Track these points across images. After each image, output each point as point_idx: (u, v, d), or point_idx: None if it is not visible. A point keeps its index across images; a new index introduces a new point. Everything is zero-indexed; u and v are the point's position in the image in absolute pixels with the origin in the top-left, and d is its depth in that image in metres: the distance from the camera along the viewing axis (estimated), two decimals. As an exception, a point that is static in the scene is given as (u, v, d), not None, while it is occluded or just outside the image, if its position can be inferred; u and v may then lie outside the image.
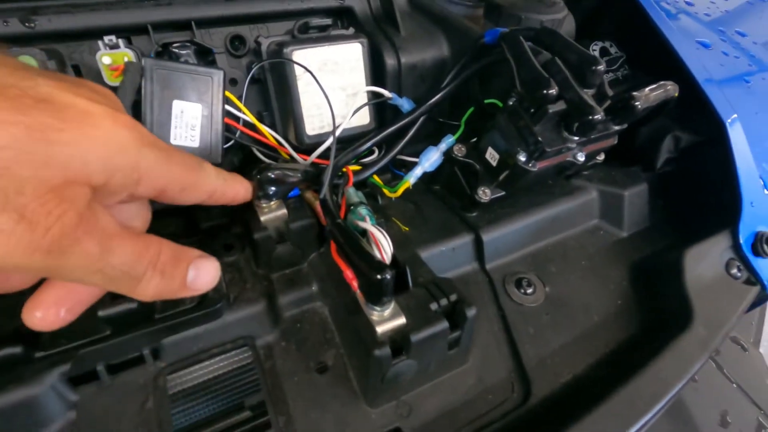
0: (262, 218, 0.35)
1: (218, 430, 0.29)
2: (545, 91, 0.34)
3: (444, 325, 0.29)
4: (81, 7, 0.36)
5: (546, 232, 0.44)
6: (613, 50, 0.60)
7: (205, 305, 0.32)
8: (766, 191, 0.42)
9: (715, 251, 0.39)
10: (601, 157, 0.45)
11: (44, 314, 0.22)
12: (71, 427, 0.28)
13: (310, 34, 0.41)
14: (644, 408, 0.30)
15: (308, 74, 0.39)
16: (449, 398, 0.33)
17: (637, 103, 0.36)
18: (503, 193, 0.41)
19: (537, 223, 0.43)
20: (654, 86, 0.39)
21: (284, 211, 0.36)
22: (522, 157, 0.37)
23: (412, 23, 0.46)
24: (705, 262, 0.38)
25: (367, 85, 0.42)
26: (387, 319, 0.29)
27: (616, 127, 0.38)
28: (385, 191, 0.44)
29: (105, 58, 0.36)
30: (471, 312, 0.30)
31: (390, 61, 0.44)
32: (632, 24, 0.55)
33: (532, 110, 0.36)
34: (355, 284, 0.30)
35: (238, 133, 0.41)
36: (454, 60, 0.46)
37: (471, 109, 0.44)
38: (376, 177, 0.45)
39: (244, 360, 0.32)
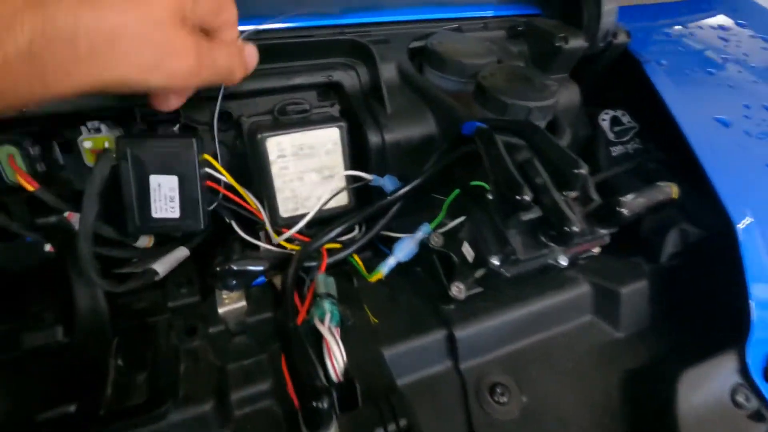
0: (221, 310, 0.35)
1: None
2: (518, 197, 0.31)
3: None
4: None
5: (530, 329, 0.41)
6: (625, 119, 0.57)
7: (153, 404, 0.31)
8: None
9: (719, 373, 0.35)
10: (597, 249, 0.42)
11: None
12: None
13: (289, 116, 0.40)
14: None
15: (283, 158, 0.39)
16: None
17: (623, 211, 0.33)
18: (480, 289, 0.39)
19: (520, 319, 0.40)
20: (649, 189, 0.36)
21: (244, 303, 0.35)
22: (495, 261, 0.35)
23: (401, 99, 0.45)
24: (705, 387, 0.34)
25: (345, 167, 0.41)
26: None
27: (604, 231, 0.35)
28: (362, 272, 0.42)
29: (86, 143, 0.37)
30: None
31: (374, 139, 0.43)
32: (642, 93, 0.52)
33: (506, 213, 0.34)
34: (296, 400, 0.29)
35: (220, 195, 0.41)
36: (443, 138, 0.45)
37: (454, 193, 0.41)
38: (355, 256, 0.43)
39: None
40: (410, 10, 0.51)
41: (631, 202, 0.34)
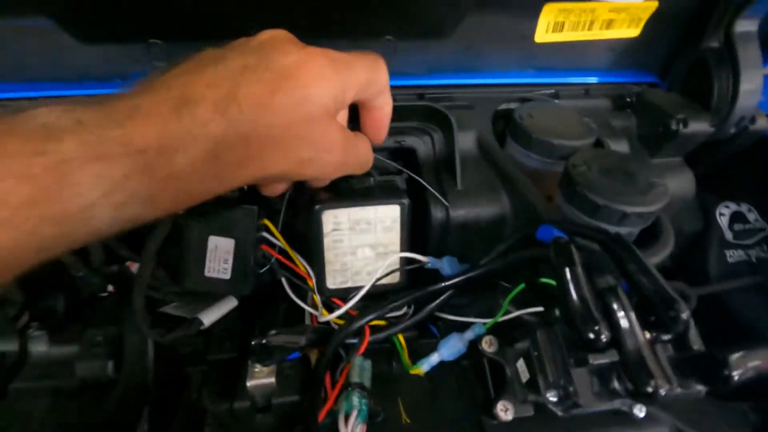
0: (249, 383, 0.34)
1: None
2: (590, 336, 0.26)
3: None
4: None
5: (587, 472, 0.34)
6: (752, 217, 0.47)
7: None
8: None
9: None
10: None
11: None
12: None
13: (352, 186, 0.39)
14: None
15: (338, 231, 0.37)
16: None
17: (732, 374, 0.26)
18: (531, 413, 0.33)
19: (575, 456, 0.34)
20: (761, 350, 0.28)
21: (273, 380, 0.34)
22: (552, 397, 0.29)
23: (476, 173, 0.42)
24: None
25: (401, 247, 0.39)
26: None
27: (700, 388, 0.28)
28: (404, 359, 0.39)
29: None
30: None
31: (438, 215, 0.40)
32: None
33: (574, 347, 0.28)
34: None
35: (273, 259, 0.41)
36: (514, 224, 0.40)
37: (519, 288, 0.37)
38: (400, 336, 0.40)
39: None
40: (501, 73, 0.47)
41: (746, 365, 0.27)
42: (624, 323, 0.27)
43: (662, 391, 0.25)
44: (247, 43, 0.27)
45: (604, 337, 0.26)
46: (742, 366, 0.26)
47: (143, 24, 0.38)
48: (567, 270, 0.28)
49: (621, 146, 0.44)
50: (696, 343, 0.28)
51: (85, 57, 0.39)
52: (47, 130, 0.19)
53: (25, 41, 0.37)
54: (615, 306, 0.28)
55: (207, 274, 0.37)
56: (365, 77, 0.30)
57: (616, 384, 0.28)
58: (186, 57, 0.26)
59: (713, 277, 0.44)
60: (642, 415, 0.29)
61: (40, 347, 0.39)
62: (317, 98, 0.26)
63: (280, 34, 0.28)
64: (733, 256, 0.45)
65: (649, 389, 0.25)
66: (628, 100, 0.48)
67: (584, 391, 0.28)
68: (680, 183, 0.44)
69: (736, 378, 0.26)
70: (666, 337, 0.28)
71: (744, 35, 0.40)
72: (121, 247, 0.37)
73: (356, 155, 0.32)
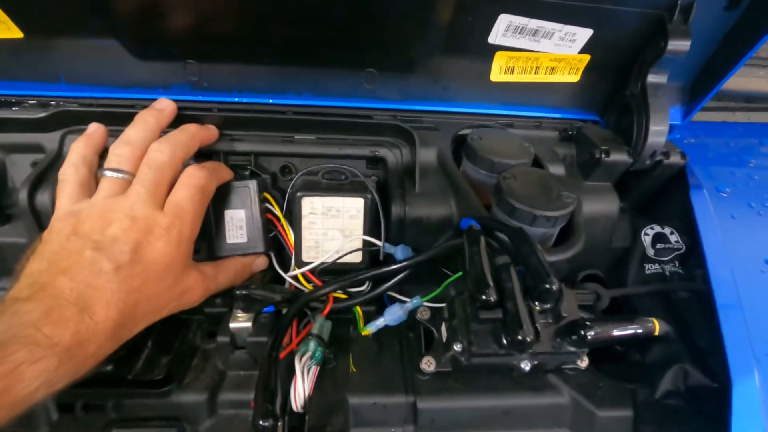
0: (231, 325, 0.43)
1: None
2: (483, 297, 0.35)
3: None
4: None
5: (495, 424, 0.42)
6: (673, 238, 0.55)
7: (165, 382, 0.41)
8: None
9: None
10: (584, 363, 0.42)
11: None
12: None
13: (329, 181, 0.49)
14: None
15: (315, 214, 0.48)
16: None
17: (588, 335, 0.34)
18: (450, 369, 0.42)
19: (486, 409, 0.42)
20: (627, 320, 0.36)
21: (249, 324, 0.43)
22: (457, 347, 0.38)
23: (432, 181, 0.51)
24: None
25: (364, 232, 0.48)
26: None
27: (572, 349, 0.36)
28: (360, 325, 0.48)
29: (181, 174, 0.49)
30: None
31: (397, 211, 0.49)
32: (689, 217, 0.50)
33: (474, 307, 0.37)
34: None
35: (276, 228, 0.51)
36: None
37: (455, 276, 0.45)
38: (359, 308, 0.49)
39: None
40: (465, 103, 0.57)
41: (599, 329, 0.35)
42: (509, 287, 0.36)
43: (528, 338, 0.33)
44: (102, 239, 0.36)
45: (492, 298, 0.35)
46: (593, 330, 0.35)
47: (182, 48, 0.50)
48: (473, 248, 0.38)
49: (558, 169, 0.54)
50: (566, 311, 0.36)
51: (139, 70, 0.51)
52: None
53: (98, 55, 0.49)
54: (504, 276, 0.36)
55: (229, 241, 0.48)
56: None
57: (503, 340, 0.37)
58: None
59: (630, 284, 0.52)
60: (527, 368, 0.37)
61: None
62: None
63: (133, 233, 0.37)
64: (650, 269, 0.53)
65: (519, 338, 0.33)
66: (570, 133, 0.57)
67: (479, 341, 0.37)
68: (605, 205, 0.53)
69: (589, 338, 0.35)
70: (544, 306, 0.37)
71: (654, 86, 0.49)
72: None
73: (216, 286, 0.44)
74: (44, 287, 0.31)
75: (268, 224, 0.50)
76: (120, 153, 0.40)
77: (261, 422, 0.32)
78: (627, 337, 0.36)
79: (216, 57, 0.51)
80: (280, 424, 0.35)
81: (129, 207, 0.37)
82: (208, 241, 0.47)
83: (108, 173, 0.39)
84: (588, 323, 0.35)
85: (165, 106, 0.46)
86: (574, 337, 0.35)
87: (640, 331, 0.36)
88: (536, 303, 0.37)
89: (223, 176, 0.46)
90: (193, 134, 0.44)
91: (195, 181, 0.41)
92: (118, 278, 0.34)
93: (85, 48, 0.50)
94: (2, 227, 0.49)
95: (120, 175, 0.39)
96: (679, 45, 0.46)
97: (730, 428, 0.34)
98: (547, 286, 0.35)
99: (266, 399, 0.34)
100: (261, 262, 0.50)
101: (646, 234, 0.55)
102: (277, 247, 0.51)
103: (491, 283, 0.35)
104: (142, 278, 0.36)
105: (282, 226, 0.50)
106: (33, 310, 0.30)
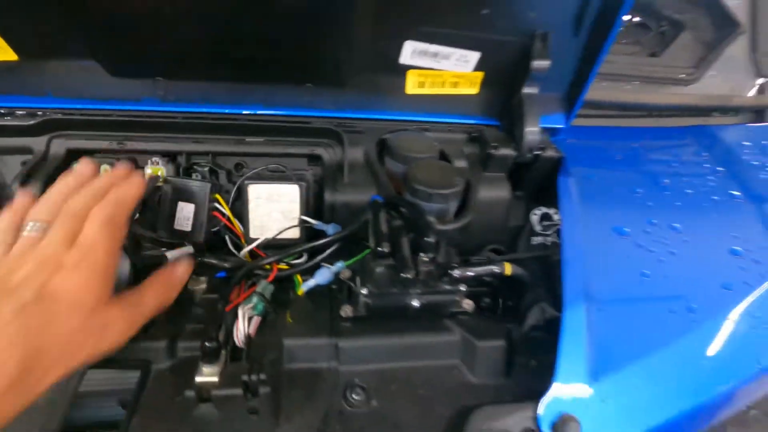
0: (190, 287, 0.54)
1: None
2: (379, 248, 0.47)
3: (237, 391, 0.42)
4: (146, 138, 0.62)
5: (401, 355, 0.53)
6: (556, 217, 0.68)
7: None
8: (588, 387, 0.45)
9: (516, 415, 0.44)
10: (470, 306, 0.54)
11: None
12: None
13: (272, 173, 0.61)
14: None
15: (260, 199, 0.59)
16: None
17: (453, 273, 0.46)
18: (364, 314, 0.53)
19: (393, 346, 0.53)
20: (485, 264, 0.48)
21: (204, 286, 0.54)
22: (364, 291, 0.49)
23: (359, 174, 0.64)
24: (500, 422, 0.44)
25: (300, 214, 0.60)
26: (208, 374, 0.44)
27: (447, 287, 0.48)
28: (298, 287, 0.59)
29: (148, 169, 0.60)
30: (265, 390, 0.43)
31: (328, 197, 0.61)
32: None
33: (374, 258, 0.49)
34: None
35: (222, 223, 0.62)
36: (378, 205, 0.61)
37: (367, 251, 0.57)
38: (298, 276, 0.61)
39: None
40: (388, 112, 0.70)
41: (463, 269, 0.47)
42: (400, 242, 0.48)
43: (410, 275, 0.45)
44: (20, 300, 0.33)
45: (386, 249, 0.47)
46: (459, 269, 0.47)
47: (152, 68, 0.62)
48: (374, 214, 0.50)
49: (462, 163, 0.67)
50: (441, 259, 0.48)
51: (115, 85, 0.62)
52: None
53: (80, 73, 0.60)
54: (397, 234, 0.48)
55: (176, 227, 0.58)
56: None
57: (396, 280, 0.48)
58: None
59: (518, 251, 0.65)
60: (417, 305, 0.49)
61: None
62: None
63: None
64: (536, 240, 0.66)
65: (403, 275, 0.45)
66: (474, 135, 0.71)
67: (379, 284, 0.48)
68: (498, 191, 0.65)
69: (456, 275, 0.47)
70: (428, 256, 0.49)
71: (528, 96, 0.63)
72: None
73: (141, 318, 0.43)
74: None
75: (213, 220, 0.60)
76: (37, 210, 0.40)
77: (207, 344, 0.43)
78: (485, 274, 0.48)
79: (180, 75, 0.63)
80: (223, 352, 0.45)
81: (40, 252, 0.37)
82: (158, 221, 0.58)
83: (28, 227, 0.39)
84: (454, 265, 0.47)
85: (84, 169, 0.46)
86: (446, 278, 0.48)
87: (495, 270, 0.48)
88: (420, 254, 0.49)
89: (131, 197, 0.45)
90: (111, 182, 0.44)
91: (102, 214, 0.40)
92: (20, 320, 0.32)
93: (70, 68, 0.61)
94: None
95: (36, 226, 0.39)
96: (541, 64, 0.61)
97: (561, 342, 0.46)
98: (427, 239, 0.47)
99: (213, 330, 0.45)
100: (183, 269, 0.50)
101: (534, 214, 0.68)
102: (219, 241, 0.62)
103: (386, 239, 0.47)
104: (48, 317, 0.34)
105: (229, 219, 0.61)
106: None
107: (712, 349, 0.50)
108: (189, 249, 0.61)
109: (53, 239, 0.38)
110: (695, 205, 0.67)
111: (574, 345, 0.47)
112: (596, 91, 0.79)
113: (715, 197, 0.68)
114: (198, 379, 0.43)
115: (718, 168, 0.74)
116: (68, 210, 0.40)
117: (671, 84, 0.82)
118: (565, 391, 0.45)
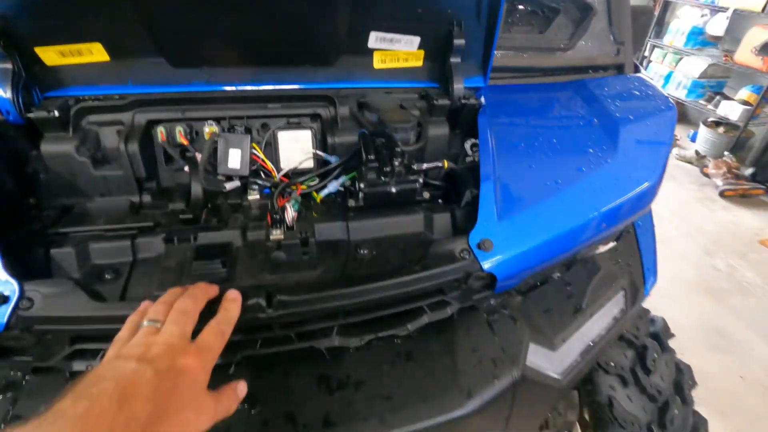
0: (250, 197, 0.84)
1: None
2: (368, 156, 0.79)
3: (296, 241, 0.73)
4: (199, 108, 0.91)
5: (388, 229, 0.85)
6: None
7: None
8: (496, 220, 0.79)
9: (458, 241, 0.77)
10: (428, 195, 0.87)
11: None
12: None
13: (292, 125, 0.92)
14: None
15: (286, 141, 0.90)
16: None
17: (413, 166, 0.79)
18: (363, 204, 0.85)
19: (384, 223, 0.85)
20: (433, 164, 0.81)
21: (258, 196, 0.84)
22: (362, 185, 0.81)
23: (347, 123, 0.95)
24: (448, 244, 0.77)
25: (313, 149, 0.91)
26: (275, 235, 0.74)
27: (412, 177, 0.81)
28: (316, 197, 0.90)
29: (206, 128, 0.90)
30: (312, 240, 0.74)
31: (329, 140, 0.92)
32: (482, 131, 0.98)
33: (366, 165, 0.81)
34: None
35: (257, 163, 0.92)
36: (363, 142, 0.93)
37: (353, 173, 0.89)
38: (315, 193, 0.92)
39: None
40: (363, 82, 1.02)
41: (420, 164, 0.80)
42: (381, 153, 0.80)
43: (387, 168, 0.77)
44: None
45: (372, 156, 0.79)
46: (416, 164, 0.80)
47: (200, 59, 0.91)
48: (363, 139, 0.82)
49: (415, 112, 0.99)
50: (406, 160, 0.81)
51: (173, 74, 0.90)
52: None
53: (151, 67, 0.88)
54: (380, 149, 0.80)
55: (229, 165, 0.88)
56: None
57: (380, 175, 0.81)
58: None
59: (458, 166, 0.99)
60: (394, 190, 0.81)
61: None
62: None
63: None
64: (468, 158, 0.99)
65: (385, 169, 0.77)
66: (423, 94, 1.04)
67: (369, 180, 0.80)
68: (440, 129, 0.98)
69: (414, 168, 0.80)
70: (398, 160, 0.81)
71: (454, 64, 0.97)
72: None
73: (224, 410, 0.51)
74: (86, 394, 0.39)
75: (251, 162, 0.90)
76: (155, 310, 0.53)
77: (274, 215, 0.74)
78: (433, 168, 0.81)
79: (218, 63, 0.92)
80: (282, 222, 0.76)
81: (165, 339, 0.48)
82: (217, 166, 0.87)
83: (146, 323, 0.51)
84: (413, 165, 0.80)
85: (178, 289, 0.58)
86: (410, 174, 0.80)
87: (439, 165, 0.81)
88: (395, 159, 0.81)
89: (235, 317, 0.57)
90: (204, 292, 0.58)
91: (217, 328, 0.53)
92: (157, 381, 0.42)
93: (144, 63, 0.88)
94: (105, 166, 0.86)
95: (154, 323, 0.51)
96: (459, 42, 0.94)
97: (480, 202, 0.80)
98: (396, 149, 0.80)
99: (275, 213, 0.75)
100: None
101: (466, 143, 1.02)
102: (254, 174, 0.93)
103: (372, 152, 0.79)
104: (176, 383, 0.44)
105: (263, 160, 0.91)
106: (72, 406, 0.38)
107: (569, 203, 0.85)
108: (236, 183, 0.90)
109: (174, 331, 0.49)
110: (568, 129, 1.02)
111: (487, 202, 0.80)
112: (504, 59, 1.14)
113: (581, 123, 1.04)
114: (272, 236, 0.74)
115: (585, 105, 1.10)
116: (180, 308, 0.53)
117: (555, 51, 1.17)
118: (483, 227, 0.78)
